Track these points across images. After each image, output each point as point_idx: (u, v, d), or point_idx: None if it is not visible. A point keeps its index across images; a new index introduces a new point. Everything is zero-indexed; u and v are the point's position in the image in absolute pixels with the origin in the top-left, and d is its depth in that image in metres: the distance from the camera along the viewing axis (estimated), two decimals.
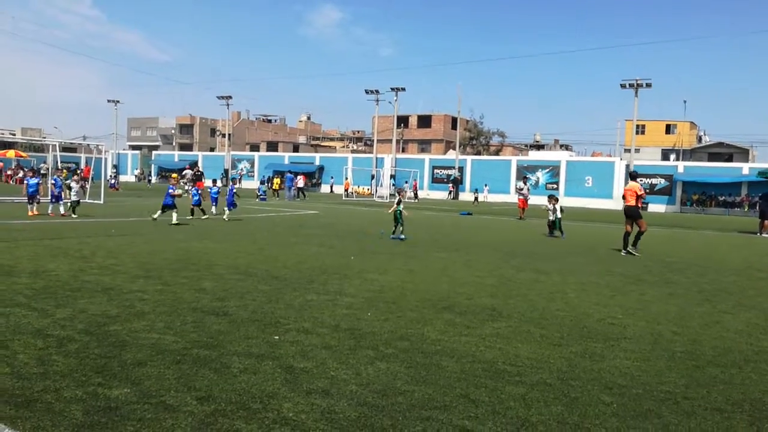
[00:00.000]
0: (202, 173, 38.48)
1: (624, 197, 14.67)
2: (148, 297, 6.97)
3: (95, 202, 25.17)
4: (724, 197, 46.52)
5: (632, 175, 14.93)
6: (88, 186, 30.00)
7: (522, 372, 4.75)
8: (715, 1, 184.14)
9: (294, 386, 4.21)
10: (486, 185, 52.86)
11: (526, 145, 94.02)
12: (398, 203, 15.07)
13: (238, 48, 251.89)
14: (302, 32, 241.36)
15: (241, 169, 68.70)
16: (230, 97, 66.95)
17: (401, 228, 14.90)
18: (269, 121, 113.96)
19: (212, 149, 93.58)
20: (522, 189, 27.90)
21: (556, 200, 18.42)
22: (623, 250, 13.89)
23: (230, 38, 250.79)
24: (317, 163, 66.49)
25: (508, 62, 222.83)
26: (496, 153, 79.44)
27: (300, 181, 42.49)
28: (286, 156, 70.96)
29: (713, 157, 61.07)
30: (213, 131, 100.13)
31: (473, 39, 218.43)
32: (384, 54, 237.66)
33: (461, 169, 57.50)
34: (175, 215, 16.67)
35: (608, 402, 4.17)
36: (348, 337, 5.53)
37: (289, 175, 41.46)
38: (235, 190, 20.13)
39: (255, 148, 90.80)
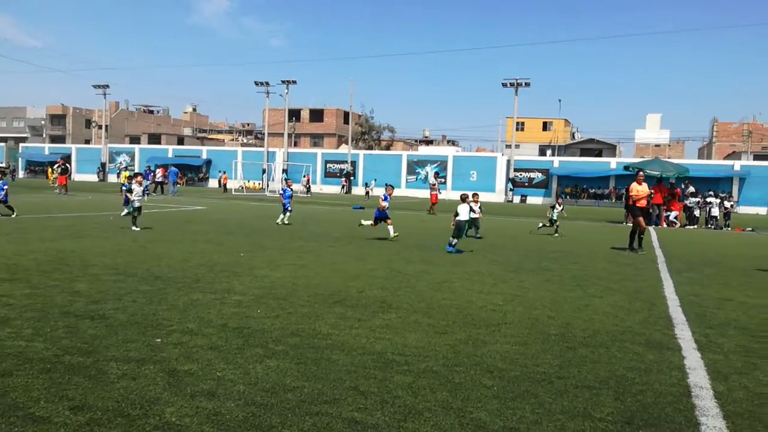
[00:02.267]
0: (67, 167, 35.17)
1: (635, 195, 14.63)
2: (14, 302, 6.40)
3: None
4: (594, 190, 50.36)
5: (643, 173, 15.38)
6: None
7: (410, 361, 4.88)
8: (587, 5, 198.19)
9: (177, 390, 4.05)
10: (374, 180, 53.32)
11: (416, 141, 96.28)
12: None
13: (117, 35, 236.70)
14: (189, 21, 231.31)
15: (120, 163, 64.72)
16: (107, 86, 62.88)
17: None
18: (151, 112, 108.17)
19: (87, 141, 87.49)
20: (434, 184, 28.50)
21: (476, 197, 16.61)
22: (637, 251, 14.08)
23: (109, 24, 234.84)
24: (204, 156, 64.14)
25: (398, 58, 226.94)
26: (387, 148, 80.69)
27: (159, 174, 38.78)
28: (170, 149, 67.85)
29: (585, 152, 65.84)
30: (88, 122, 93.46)
31: (364, 34, 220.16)
32: (275, 45, 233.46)
33: (354, 164, 57.83)
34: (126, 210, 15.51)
35: (489, 385, 4.39)
36: (236, 336, 5.40)
37: (173, 168, 39.64)
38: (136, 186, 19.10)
39: (135, 140, 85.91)
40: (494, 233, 17.96)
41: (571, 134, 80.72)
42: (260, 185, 55.64)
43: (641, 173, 15.40)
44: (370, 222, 15.07)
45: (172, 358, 4.73)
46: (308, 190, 49.37)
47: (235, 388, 4.12)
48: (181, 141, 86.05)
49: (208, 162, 63.20)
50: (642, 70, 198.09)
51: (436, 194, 28.07)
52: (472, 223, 15.47)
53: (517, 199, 50.72)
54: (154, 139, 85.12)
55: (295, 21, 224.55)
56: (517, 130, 56.57)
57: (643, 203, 14.67)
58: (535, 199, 50.65)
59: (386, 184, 17.06)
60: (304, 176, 50.86)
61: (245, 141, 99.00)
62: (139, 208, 15.21)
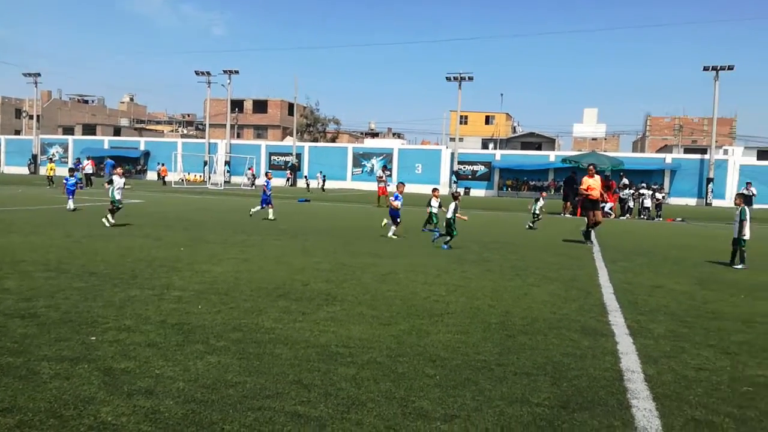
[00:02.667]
0: None
1: (588, 189, 14.80)
2: None
3: None
4: (534, 182, 51.67)
5: (596, 169, 15.37)
6: None
7: (354, 353, 4.90)
8: (529, 2, 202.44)
9: (113, 388, 3.93)
10: (320, 172, 52.89)
11: (361, 133, 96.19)
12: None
13: (49, 21, 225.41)
14: (125, 7, 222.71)
15: (53, 155, 61.87)
16: (38, 75, 59.97)
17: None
18: (86, 101, 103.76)
19: (18, 132, 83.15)
20: (382, 177, 28.40)
21: (435, 192, 16.04)
22: (587, 243, 14.31)
23: (40, 10, 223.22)
24: (142, 147, 62.10)
25: (344, 50, 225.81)
26: (333, 140, 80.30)
27: (88, 167, 36.92)
28: (105, 140, 65.42)
29: (525, 145, 67.33)
30: (18, 112, 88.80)
31: (308, 25, 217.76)
32: (216, 34, 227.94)
33: (299, 156, 57.28)
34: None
35: (432, 374, 4.46)
36: (175, 333, 5.28)
37: (109, 161, 38.22)
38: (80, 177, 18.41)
39: (69, 131, 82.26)
40: (438, 225, 18.13)
41: (513, 128, 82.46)
42: (201, 178, 54.38)
43: (592, 167, 15.60)
44: (387, 222, 14.44)
45: (108, 356, 4.58)
46: (253, 183, 48.60)
47: (175, 385, 4.04)
48: (117, 132, 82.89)
49: (147, 154, 61.25)
50: (579, 66, 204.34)
51: (384, 187, 28.06)
52: (433, 219, 15.38)
53: (461, 192, 51.45)
54: (89, 129, 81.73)
55: (236, 10, 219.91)
56: (460, 123, 57.35)
57: (594, 195, 14.91)
58: (478, 192, 51.60)
59: (399, 182, 16.13)
60: (248, 168, 50.05)
61: (185, 132, 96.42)
62: (120, 201, 14.55)
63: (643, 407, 3.99)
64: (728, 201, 45.34)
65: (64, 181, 19.41)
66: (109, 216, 14.04)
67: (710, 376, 4.69)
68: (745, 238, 11.33)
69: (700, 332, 6.08)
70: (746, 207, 11.71)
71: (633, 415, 3.85)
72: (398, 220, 14.19)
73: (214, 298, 6.75)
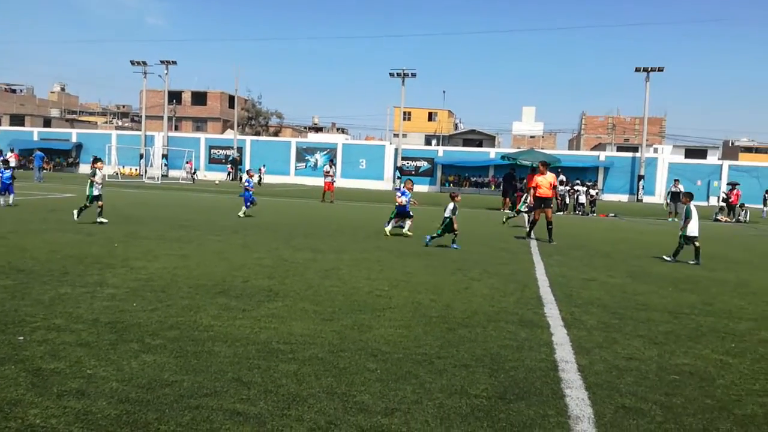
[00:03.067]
0: None
1: (537, 187, 14.53)
2: None
3: None
4: (475, 178, 52.68)
5: (546, 165, 14.98)
6: None
7: (295, 349, 4.86)
8: (472, 0, 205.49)
9: (42, 390, 3.76)
10: (263, 165, 52.15)
11: (305, 128, 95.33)
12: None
13: None
14: None
15: None
16: None
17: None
18: (13, 90, 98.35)
19: None
20: (329, 172, 27.96)
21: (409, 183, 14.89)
22: (526, 238, 14.40)
23: None
24: (74, 140, 59.55)
25: (286, 43, 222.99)
26: (276, 134, 79.24)
27: (12, 160, 34.51)
28: (35, 131, 62.39)
29: (467, 142, 68.56)
30: None
31: (249, 17, 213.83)
32: (152, 24, 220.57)
33: (240, 150, 56.24)
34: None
35: (373, 369, 4.48)
36: (109, 332, 5.09)
37: (38, 153, 36.42)
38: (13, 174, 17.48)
39: None
40: (382, 221, 18.22)
41: (455, 125, 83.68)
42: (137, 171, 52.64)
43: (542, 165, 15.19)
44: (391, 223, 14.17)
45: (37, 356, 4.38)
46: (193, 177, 47.42)
47: (108, 385, 3.90)
48: (47, 123, 79.19)
49: (79, 146, 58.79)
50: (519, 65, 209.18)
51: (330, 182, 27.75)
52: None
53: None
54: (17, 120, 77.68)
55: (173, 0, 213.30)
56: (404, 119, 57.78)
57: (544, 193, 14.54)
58: (421, 187, 51.99)
59: (406, 179, 15.87)
60: (187, 162, 48.79)
61: (120, 124, 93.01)
62: (98, 196, 13.82)
63: (576, 396, 4.14)
64: (658, 197, 47.57)
65: None
66: (80, 211, 13.60)
67: (639, 366, 4.91)
68: (689, 234, 11.44)
69: (631, 323, 6.35)
70: (692, 205, 11.73)
71: (566, 404, 3.99)
72: (411, 214, 14.04)
73: (150, 295, 6.55)
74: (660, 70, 47.28)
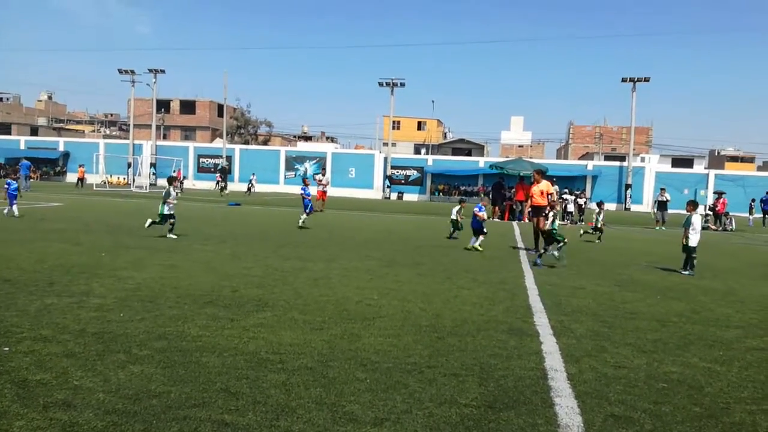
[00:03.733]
0: None
1: (531, 196, 14.23)
2: None
3: None
4: (464, 187, 52.78)
5: (541, 173, 14.63)
6: None
7: (284, 359, 4.83)
8: (461, 11, 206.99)
9: (28, 401, 3.71)
10: (253, 174, 51.83)
11: (294, 136, 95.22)
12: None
13: None
14: (44, 0, 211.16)
15: None
16: None
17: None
18: (0, 99, 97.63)
19: None
20: (321, 180, 27.72)
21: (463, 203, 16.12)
22: (538, 250, 12.85)
23: None
24: (61, 148, 59.02)
25: (276, 53, 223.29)
26: (265, 143, 79.07)
27: None
28: (21, 140, 61.82)
29: (456, 151, 68.74)
30: None
31: (238, 25, 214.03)
32: (141, 32, 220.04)
33: (229, 159, 56.05)
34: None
35: (363, 378, 4.46)
36: (95, 342, 5.04)
37: (24, 161, 36.09)
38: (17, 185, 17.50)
39: None
40: (371, 230, 18.26)
41: (444, 134, 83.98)
42: (125, 180, 52.31)
43: (537, 173, 14.83)
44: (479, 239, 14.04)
45: (23, 367, 4.32)
46: (180, 186, 47.14)
47: (94, 396, 3.85)
48: (34, 131, 78.56)
49: (66, 155, 58.27)
50: (507, 75, 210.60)
51: (323, 191, 27.53)
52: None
53: (394, 196, 51.91)
54: (4, 129, 76.95)
55: (163, 8, 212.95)
56: (393, 128, 57.84)
57: (536, 202, 14.14)
58: (411, 196, 52.14)
59: (483, 194, 16.06)
60: (175, 171, 48.51)
61: (108, 132, 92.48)
62: (170, 215, 13.26)
63: (566, 405, 4.15)
64: (645, 206, 47.92)
65: (6, 186, 18.03)
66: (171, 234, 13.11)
67: (628, 374, 4.93)
68: (689, 245, 11.24)
69: (619, 331, 6.38)
70: (693, 215, 11.41)
71: (556, 413, 3.99)
72: (485, 231, 13.97)
73: (137, 305, 6.49)
74: (646, 80, 47.75)
